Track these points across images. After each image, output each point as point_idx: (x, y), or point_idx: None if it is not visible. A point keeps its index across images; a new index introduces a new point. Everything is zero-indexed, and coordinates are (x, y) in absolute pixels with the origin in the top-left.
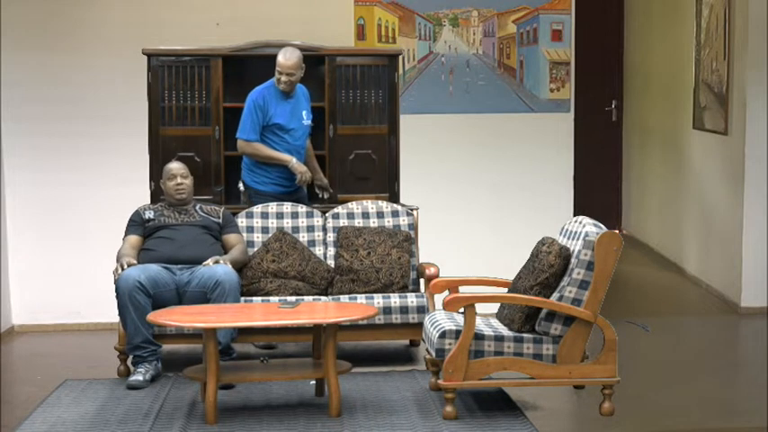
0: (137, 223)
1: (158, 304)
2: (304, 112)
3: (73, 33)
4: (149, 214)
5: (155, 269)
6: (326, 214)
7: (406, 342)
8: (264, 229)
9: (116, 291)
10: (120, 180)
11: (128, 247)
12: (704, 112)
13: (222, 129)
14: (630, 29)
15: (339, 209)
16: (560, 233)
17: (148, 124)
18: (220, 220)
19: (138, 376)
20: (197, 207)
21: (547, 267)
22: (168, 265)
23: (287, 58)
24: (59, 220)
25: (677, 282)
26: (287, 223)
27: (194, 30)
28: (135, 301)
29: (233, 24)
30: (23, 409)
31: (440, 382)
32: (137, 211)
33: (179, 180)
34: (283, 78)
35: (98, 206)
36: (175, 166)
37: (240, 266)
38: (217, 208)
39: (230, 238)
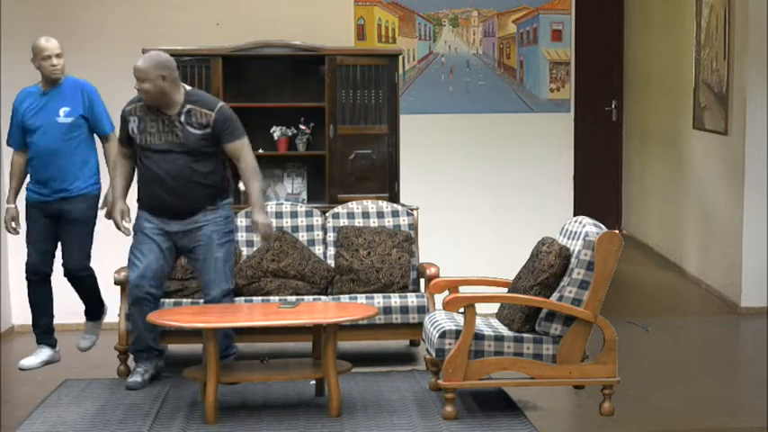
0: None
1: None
2: (63, 109)
3: (73, 33)
4: (133, 125)
5: (160, 266)
6: (326, 214)
7: (406, 342)
8: None
9: (127, 297)
10: None
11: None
12: (704, 112)
13: None
14: (630, 29)
15: (339, 209)
16: (560, 233)
17: None
18: (210, 130)
19: (136, 377)
20: (183, 112)
21: (547, 267)
22: (162, 223)
23: (47, 40)
24: None
25: (677, 282)
26: (286, 223)
27: (194, 30)
28: (145, 310)
29: (233, 24)
30: (23, 409)
31: (440, 382)
32: (123, 116)
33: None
34: (52, 62)
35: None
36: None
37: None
38: (207, 112)
39: (229, 148)
